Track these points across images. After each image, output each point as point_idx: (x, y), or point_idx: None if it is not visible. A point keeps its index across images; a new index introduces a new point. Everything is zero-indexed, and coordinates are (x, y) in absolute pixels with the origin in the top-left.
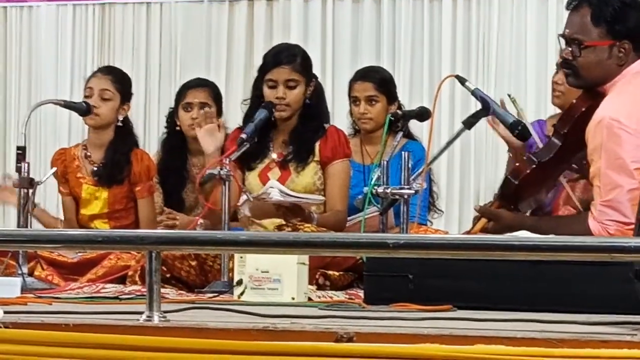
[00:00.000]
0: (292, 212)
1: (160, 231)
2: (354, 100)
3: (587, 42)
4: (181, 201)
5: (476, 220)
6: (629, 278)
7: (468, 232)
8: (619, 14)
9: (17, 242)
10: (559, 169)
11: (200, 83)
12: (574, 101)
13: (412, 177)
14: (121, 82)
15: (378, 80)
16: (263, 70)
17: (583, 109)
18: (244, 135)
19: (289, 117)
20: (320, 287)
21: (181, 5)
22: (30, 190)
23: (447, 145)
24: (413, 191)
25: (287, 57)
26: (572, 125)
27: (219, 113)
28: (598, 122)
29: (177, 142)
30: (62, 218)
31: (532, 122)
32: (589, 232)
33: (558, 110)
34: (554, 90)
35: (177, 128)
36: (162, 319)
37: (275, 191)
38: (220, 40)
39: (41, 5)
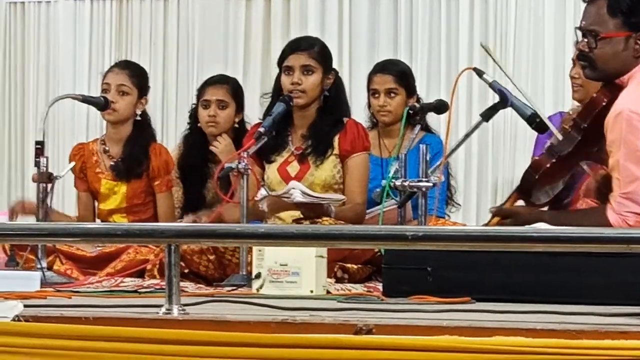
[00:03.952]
0: (310, 208)
1: (179, 224)
2: (373, 92)
3: (603, 34)
4: (202, 197)
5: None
6: None
7: (486, 225)
8: (635, 5)
9: (36, 236)
10: (577, 162)
11: (219, 80)
12: (594, 95)
13: (430, 170)
14: (138, 77)
15: (398, 72)
16: (281, 59)
17: (603, 103)
18: (262, 129)
19: (305, 106)
20: (338, 280)
21: (198, 0)
22: (49, 185)
23: (464, 138)
24: (431, 184)
25: (304, 44)
26: (592, 119)
27: (240, 109)
28: (617, 114)
29: (199, 139)
30: (76, 214)
31: (554, 113)
32: (607, 224)
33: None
34: (572, 85)
35: (199, 125)
36: (182, 312)
37: (297, 192)
38: (238, 34)
39: (59, 1)
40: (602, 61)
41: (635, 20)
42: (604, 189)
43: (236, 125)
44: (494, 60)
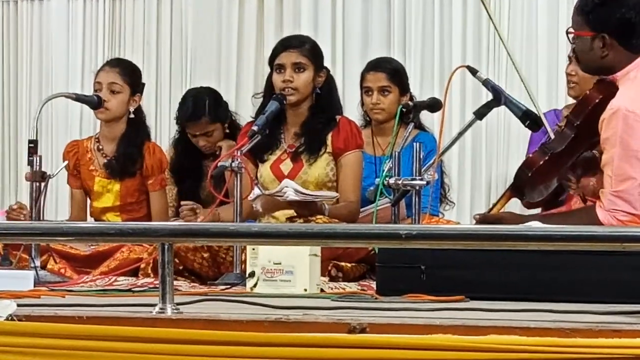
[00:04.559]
0: (304, 206)
1: (172, 223)
2: (366, 90)
3: (571, 31)
4: (197, 199)
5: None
6: None
7: (489, 211)
8: (596, 6)
9: (29, 235)
10: (571, 159)
11: (196, 113)
12: (587, 92)
13: (424, 168)
14: (130, 74)
15: (391, 70)
16: (272, 57)
17: (596, 101)
18: (255, 127)
19: (297, 103)
20: (332, 279)
21: None
22: (42, 184)
23: (458, 136)
24: (424, 182)
25: (295, 42)
26: (586, 116)
27: (224, 118)
28: (614, 112)
29: (189, 143)
30: (69, 212)
31: (548, 111)
32: (596, 223)
33: (571, 100)
34: (568, 82)
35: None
36: (175, 311)
37: (290, 191)
38: (231, 33)
39: None
40: (579, 56)
41: (595, 22)
42: (579, 170)
43: (227, 131)
44: (487, 13)
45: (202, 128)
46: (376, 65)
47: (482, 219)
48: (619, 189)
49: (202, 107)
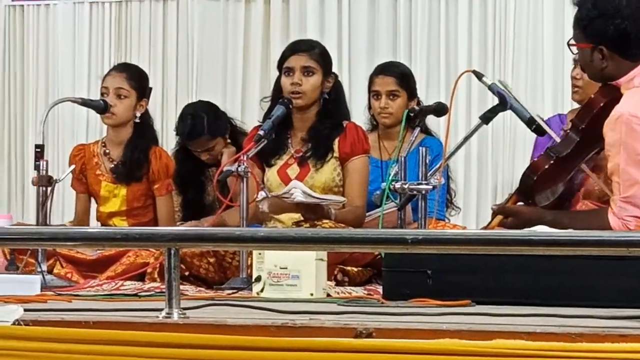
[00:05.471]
0: (310, 209)
1: (179, 228)
2: (374, 94)
3: (572, 43)
4: (201, 204)
5: (494, 215)
6: None
7: (485, 228)
8: (592, 19)
9: (36, 240)
10: (576, 163)
11: (196, 132)
12: (592, 96)
13: (430, 172)
14: (136, 79)
15: (399, 74)
16: (281, 60)
17: (601, 104)
18: (261, 132)
19: (304, 107)
20: (338, 283)
21: (198, 2)
22: (49, 188)
23: (464, 141)
24: (431, 186)
25: (305, 46)
26: (590, 120)
27: (224, 131)
28: (617, 117)
29: (189, 154)
30: (74, 216)
31: (553, 115)
32: (608, 227)
33: (576, 105)
34: (573, 85)
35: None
36: (182, 316)
37: (298, 192)
38: (237, 37)
39: (58, 3)
40: (582, 66)
41: (591, 34)
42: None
43: (229, 141)
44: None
45: (203, 145)
46: (385, 69)
47: (500, 210)
48: (628, 194)
49: (200, 125)
